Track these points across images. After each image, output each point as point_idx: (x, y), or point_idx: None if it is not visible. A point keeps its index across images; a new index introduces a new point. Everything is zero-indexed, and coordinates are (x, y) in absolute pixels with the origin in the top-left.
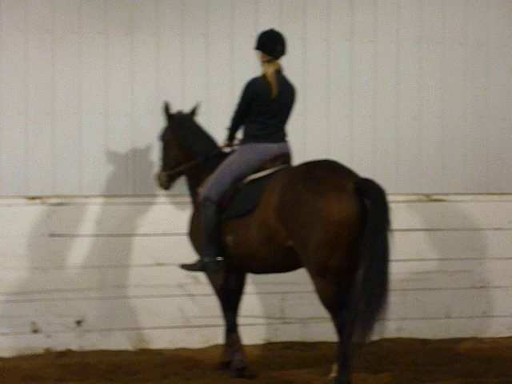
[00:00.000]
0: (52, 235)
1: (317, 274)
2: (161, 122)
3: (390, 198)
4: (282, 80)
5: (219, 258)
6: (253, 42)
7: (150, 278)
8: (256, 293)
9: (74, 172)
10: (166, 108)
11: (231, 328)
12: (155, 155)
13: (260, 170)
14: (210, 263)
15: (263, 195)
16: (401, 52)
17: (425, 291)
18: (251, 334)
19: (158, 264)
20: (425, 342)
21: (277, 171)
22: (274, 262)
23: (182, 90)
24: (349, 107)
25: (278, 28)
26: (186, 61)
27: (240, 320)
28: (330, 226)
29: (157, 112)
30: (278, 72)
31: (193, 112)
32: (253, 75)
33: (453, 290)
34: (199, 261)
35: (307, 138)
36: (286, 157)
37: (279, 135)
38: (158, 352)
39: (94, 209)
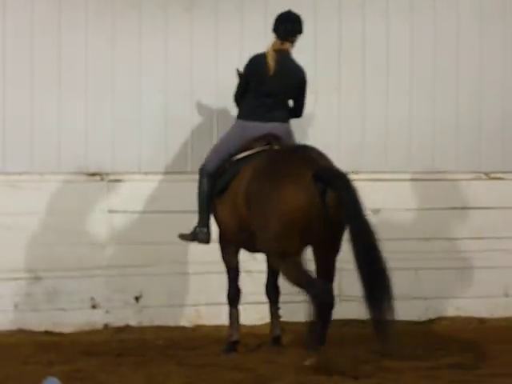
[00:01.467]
0: (111, 211)
1: (277, 259)
2: (219, 100)
3: (449, 176)
4: (284, 60)
5: (205, 230)
6: (311, 21)
7: (207, 255)
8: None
9: (133, 149)
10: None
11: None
12: (214, 133)
13: (248, 149)
14: (200, 234)
15: (236, 178)
16: (461, 29)
17: (483, 270)
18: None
19: (216, 241)
20: (482, 321)
21: (255, 153)
22: (249, 243)
23: (240, 67)
24: (408, 85)
25: (336, 7)
26: (245, 37)
27: (297, 297)
28: (283, 217)
29: (216, 90)
30: (282, 52)
31: None
32: (312, 54)
33: (511, 268)
34: (192, 230)
35: (365, 117)
36: (272, 137)
37: (273, 115)
38: (215, 328)
39: (152, 186)
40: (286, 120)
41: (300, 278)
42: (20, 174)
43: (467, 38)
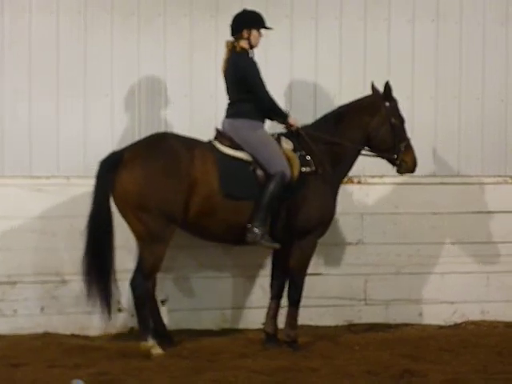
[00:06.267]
0: None
1: None
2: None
3: (475, 179)
4: (231, 58)
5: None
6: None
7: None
8: (339, 274)
9: None
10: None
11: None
12: None
13: None
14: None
15: None
16: (486, 34)
17: (509, 274)
18: (334, 315)
19: None
20: (509, 325)
21: None
22: None
23: (265, 74)
24: (434, 89)
25: (362, 11)
26: (271, 42)
27: (323, 301)
28: None
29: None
30: (230, 48)
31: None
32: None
33: None
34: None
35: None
36: (216, 132)
37: (229, 111)
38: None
39: None
40: (237, 116)
41: None
42: (47, 177)
43: (492, 43)
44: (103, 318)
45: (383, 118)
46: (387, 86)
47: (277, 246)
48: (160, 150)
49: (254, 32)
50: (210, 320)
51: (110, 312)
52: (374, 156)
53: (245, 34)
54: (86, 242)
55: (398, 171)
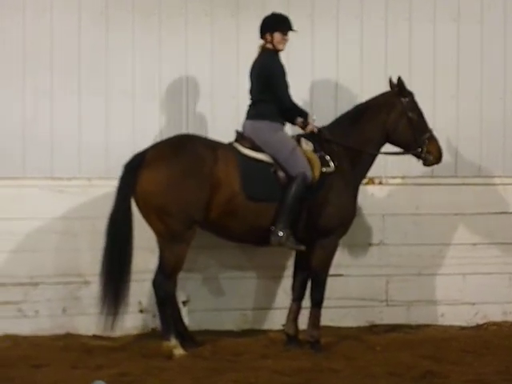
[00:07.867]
0: None
1: None
2: None
3: (497, 180)
4: (259, 57)
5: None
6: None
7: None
8: (360, 275)
9: None
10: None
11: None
12: None
13: None
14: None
15: None
16: (508, 33)
17: None
18: (356, 316)
19: None
20: None
21: None
22: None
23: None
24: (455, 89)
25: (382, 9)
26: (292, 42)
27: (345, 302)
28: None
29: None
30: (261, 50)
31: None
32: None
33: None
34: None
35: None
36: (237, 134)
37: (250, 113)
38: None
39: None
40: (257, 117)
41: None
42: (68, 179)
43: None
44: (119, 320)
45: (399, 114)
46: (400, 82)
47: (302, 247)
48: (183, 150)
49: (277, 35)
50: (231, 321)
51: (124, 313)
52: (399, 154)
53: (268, 37)
54: (104, 243)
55: (425, 164)
